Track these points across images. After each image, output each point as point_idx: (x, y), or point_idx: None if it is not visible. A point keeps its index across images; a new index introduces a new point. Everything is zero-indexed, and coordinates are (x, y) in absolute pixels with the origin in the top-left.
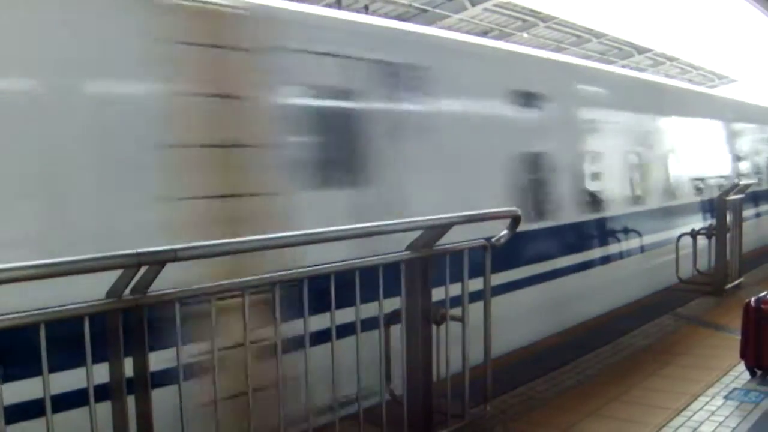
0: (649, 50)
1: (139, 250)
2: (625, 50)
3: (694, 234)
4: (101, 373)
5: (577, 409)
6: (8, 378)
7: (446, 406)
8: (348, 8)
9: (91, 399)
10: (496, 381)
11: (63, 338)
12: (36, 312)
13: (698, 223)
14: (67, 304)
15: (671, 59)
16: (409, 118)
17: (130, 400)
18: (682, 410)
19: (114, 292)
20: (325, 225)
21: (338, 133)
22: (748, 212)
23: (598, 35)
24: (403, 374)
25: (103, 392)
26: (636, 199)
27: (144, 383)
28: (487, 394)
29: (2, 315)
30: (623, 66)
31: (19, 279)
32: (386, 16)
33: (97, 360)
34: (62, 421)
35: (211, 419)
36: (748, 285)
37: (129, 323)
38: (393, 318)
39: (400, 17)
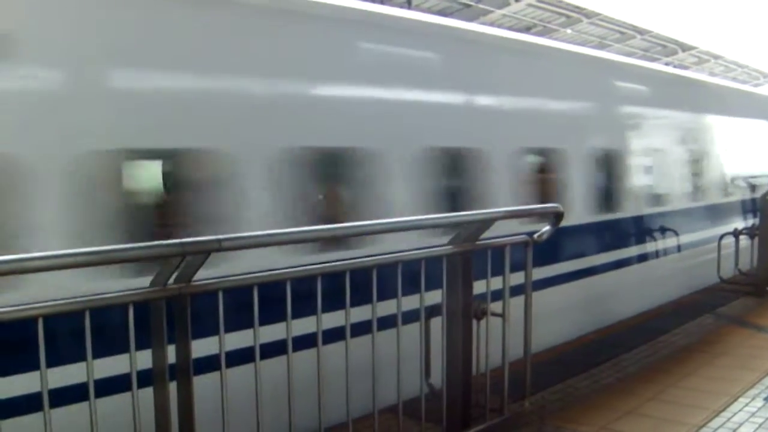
0: (694, 48)
1: (184, 240)
2: (669, 47)
3: (736, 233)
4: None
5: (616, 407)
6: (51, 364)
7: (485, 400)
8: (389, 2)
9: (134, 385)
10: (534, 377)
11: (105, 325)
12: (82, 299)
13: (741, 222)
14: (113, 292)
15: (716, 57)
16: None
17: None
18: (721, 411)
19: (158, 280)
20: None
21: None
22: None
23: (642, 32)
24: (443, 368)
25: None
26: (681, 197)
27: (186, 371)
28: (526, 390)
29: (49, 301)
30: (666, 63)
31: (69, 266)
32: (428, 11)
33: (139, 347)
34: (104, 405)
35: (251, 410)
36: None
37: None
38: (434, 312)
39: (442, 12)
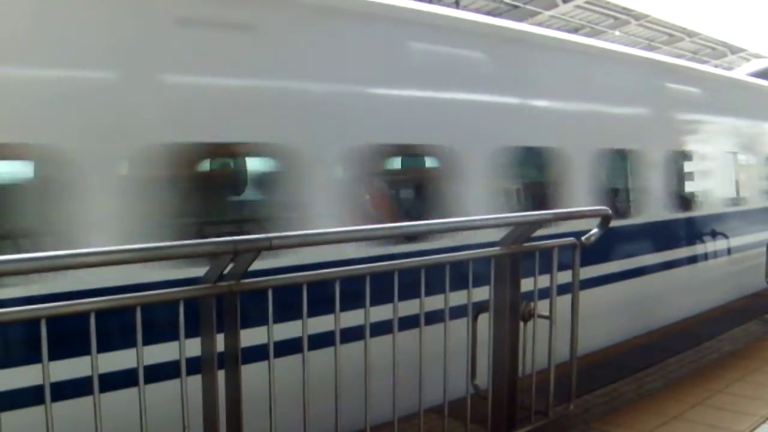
0: (743, 50)
1: (236, 238)
2: (718, 50)
3: None
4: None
5: (662, 412)
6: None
7: (530, 402)
8: (439, 2)
9: (183, 377)
10: (580, 380)
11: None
12: (134, 295)
13: None
14: (165, 289)
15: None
16: None
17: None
18: None
19: (209, 277)
20: None
21: None
22: None
23: (690, 34)
24: (489, 369)
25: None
26: (732, 200)
27: (235, 364)
28: (571, 393)
29: (103, 297)
30: (716, 66)
31: (118, 262)
32: (477, 11)
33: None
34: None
35: (297, 403)
36: None
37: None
38: (481, 309)
39: (490, 13)
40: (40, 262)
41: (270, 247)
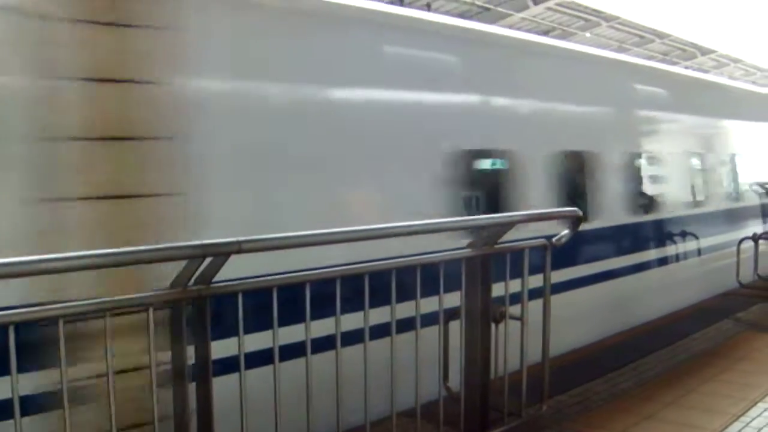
0: (713, 51)
1: (205, 242)
2: (688, 51)
3: (756, 238)
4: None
5: (635, 411)
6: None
7: (503, 404)
8: (410, 5)
9: (154, 383)
10: (553, 381)
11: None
12: (102, 300)
13: (760, 227)
14: (133, 295)
15: (735, 61)
16: None
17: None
18: (740, 416)
19: (178, 282)
20: None
21: None
22: None
23: (661, 35)
24: (461, 371)
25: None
26: (699, 201)
27: (206, 371)
28: (543, 394)
29: (70, 302)
30: (686, 67)
31: (87, 267)
32: (448, 13)
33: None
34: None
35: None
36: None
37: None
38: (452, 315)
39: (462, 15)
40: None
41: (240, 250)
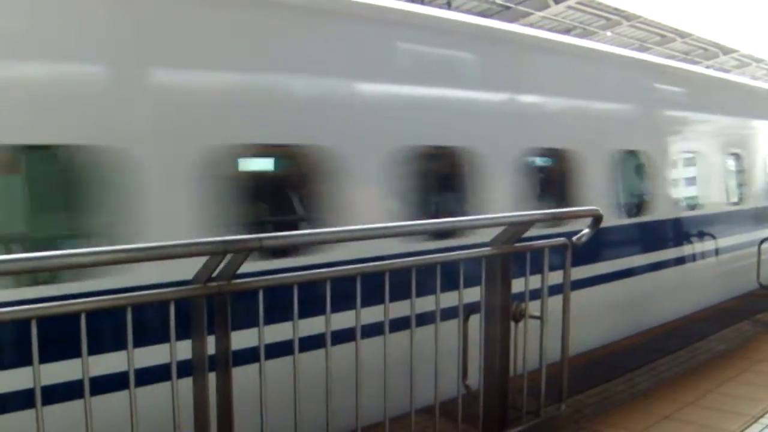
0: (735, 51)
1: (226, 238)
2: (710, 51)
3: None
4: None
5: (653, 411)
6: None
7: (521, 402)
8: (430, 3)
9: (174, 376)
10: (572, 380)
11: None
12: (124, 296)
13: None
14: (154, 290)
15: (758, 60)
16: None
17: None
18: (759, 417)
19: (199, 278)
20: None
21: None
22: None
23: (682, 35)
24: (480, 370)
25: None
26: (723, 201)
27: (226, 365)
28: (562, 393)
29: (92, 297)
30: (707, 67)
31: (114, 262)
32: (469, 12)
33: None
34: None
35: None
36: None
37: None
38: (472, 313)
39: (482, 14)
40: (32, 263)
41: (260, 247)
